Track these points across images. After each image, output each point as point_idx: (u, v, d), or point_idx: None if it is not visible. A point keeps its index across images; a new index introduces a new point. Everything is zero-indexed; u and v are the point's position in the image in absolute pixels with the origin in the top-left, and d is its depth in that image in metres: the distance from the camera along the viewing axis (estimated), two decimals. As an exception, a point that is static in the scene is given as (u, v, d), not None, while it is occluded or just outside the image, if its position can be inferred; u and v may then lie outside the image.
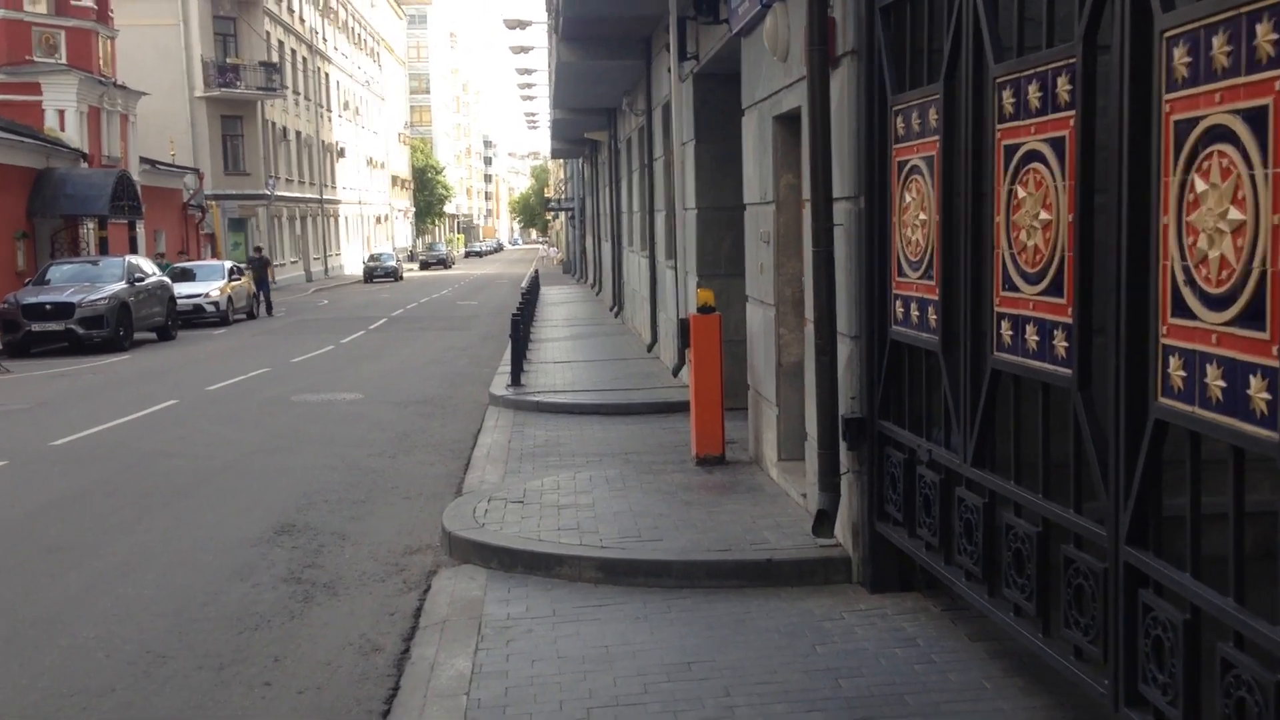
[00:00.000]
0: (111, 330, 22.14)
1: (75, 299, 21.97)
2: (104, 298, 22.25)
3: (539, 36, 31.62)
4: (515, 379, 14.22)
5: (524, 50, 28.44)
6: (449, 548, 7.26)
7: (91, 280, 23.30)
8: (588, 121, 25.61)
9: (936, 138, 5.02)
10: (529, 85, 38.01)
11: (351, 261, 66.64)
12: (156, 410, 13.81)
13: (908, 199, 5.39)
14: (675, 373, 13.92)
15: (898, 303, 5.56)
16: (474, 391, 14.98)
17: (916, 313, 5.31)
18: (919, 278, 5.27)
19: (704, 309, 9.05)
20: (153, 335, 24.92)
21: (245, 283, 31.25)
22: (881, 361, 5.78)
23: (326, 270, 60.53)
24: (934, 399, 5.24)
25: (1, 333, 21.80)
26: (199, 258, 39.78)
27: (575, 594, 6.27)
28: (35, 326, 21.73)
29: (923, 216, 5.20)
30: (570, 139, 33.95)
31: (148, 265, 25.64)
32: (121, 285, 23.08)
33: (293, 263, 54.57)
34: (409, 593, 6.56)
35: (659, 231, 16.50)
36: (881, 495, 5.88)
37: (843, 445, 6.15)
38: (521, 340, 14.97)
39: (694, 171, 12.46)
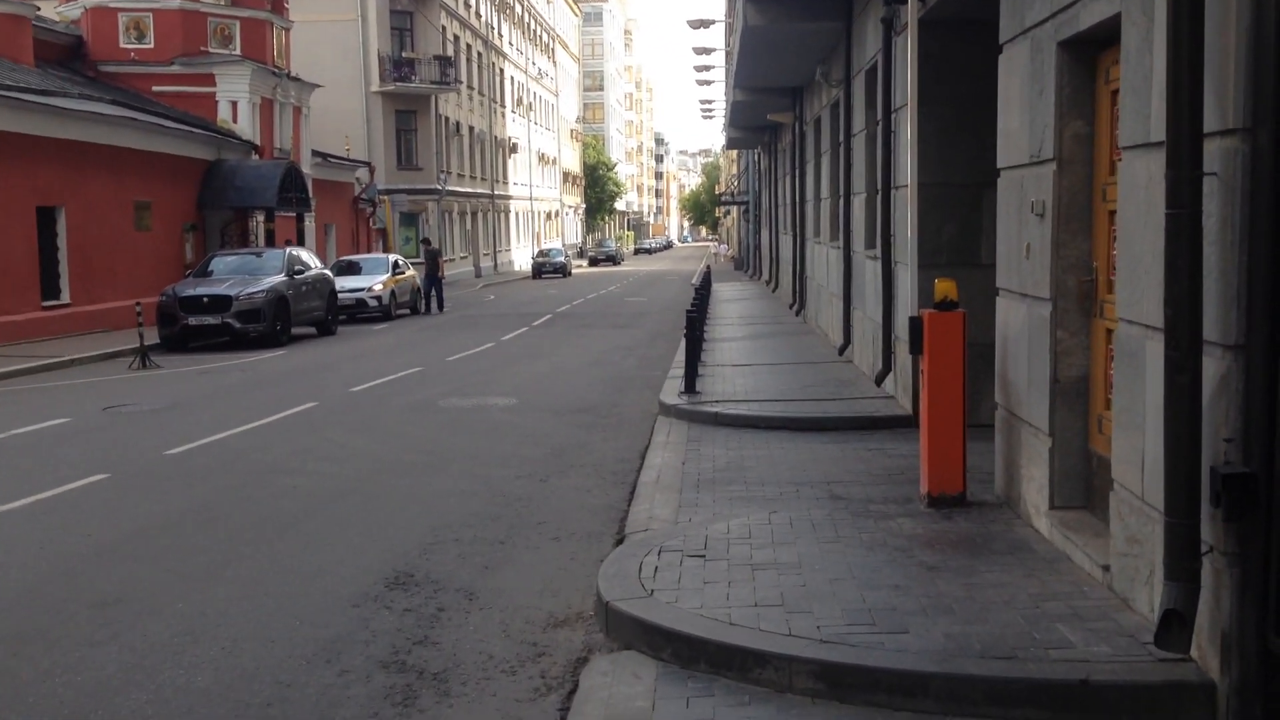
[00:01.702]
0: (269, 324, 21.20)
1: (232, 292, 21.09)
2: (261, 290, 21.32)
3: (719, 17, 29.63)
4: (690, 385, 12.30)
5: (703, 24, 26.45)
6: (605, 623, 5.36)
7: (254, 273, 22.47)
8: (770, 103, 23.53)
9: None
10: (706, 69, 36.07)
11: (521, 257, 66.14)
12: (292, 414, 12.41)
13: (1377, 115, 3.19)
14: (879, 380, 11.76)
15: (1343, 291, 3.36)
16: (641, 399, 13.13)
17: (1396, 308, 3.12)
18: (1406, 247, 3.07)
19: (943, 305, 6.92)
20: (313, 330, 24.04)
21: (410, 277, 30.32)
22: (1297, 388, 3.59)
23: (496, 266, 60.04)
24: None
25: (160, 326, 21.09)
26: (370, 252, 39.35)
27: (786, 715, 4.28)
28: (192, 320, 20.92)
29: None
30: (748, 126, 31.93)
31: (309, 258, 24.76)
32: (280, 278, 22.14)
33: (462, 258, 54.13)
34: (547, 695, 4.68)
35: (857, 218, 14.33)
36: (1289, 600, 3.69)
37: (1209, 513, 3.98)
38: (696, 341, 13.03)
39: (916, 141, 10.29)
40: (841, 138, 15.46)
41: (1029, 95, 6.36)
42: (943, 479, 6.93)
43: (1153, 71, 4.56)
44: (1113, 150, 5.66)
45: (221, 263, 23.52)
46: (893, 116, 11.29)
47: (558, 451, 10.08)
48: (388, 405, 13.08)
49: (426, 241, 35.76)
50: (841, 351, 15.16)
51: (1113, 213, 5.65)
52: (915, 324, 7.02)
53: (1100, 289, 5.81)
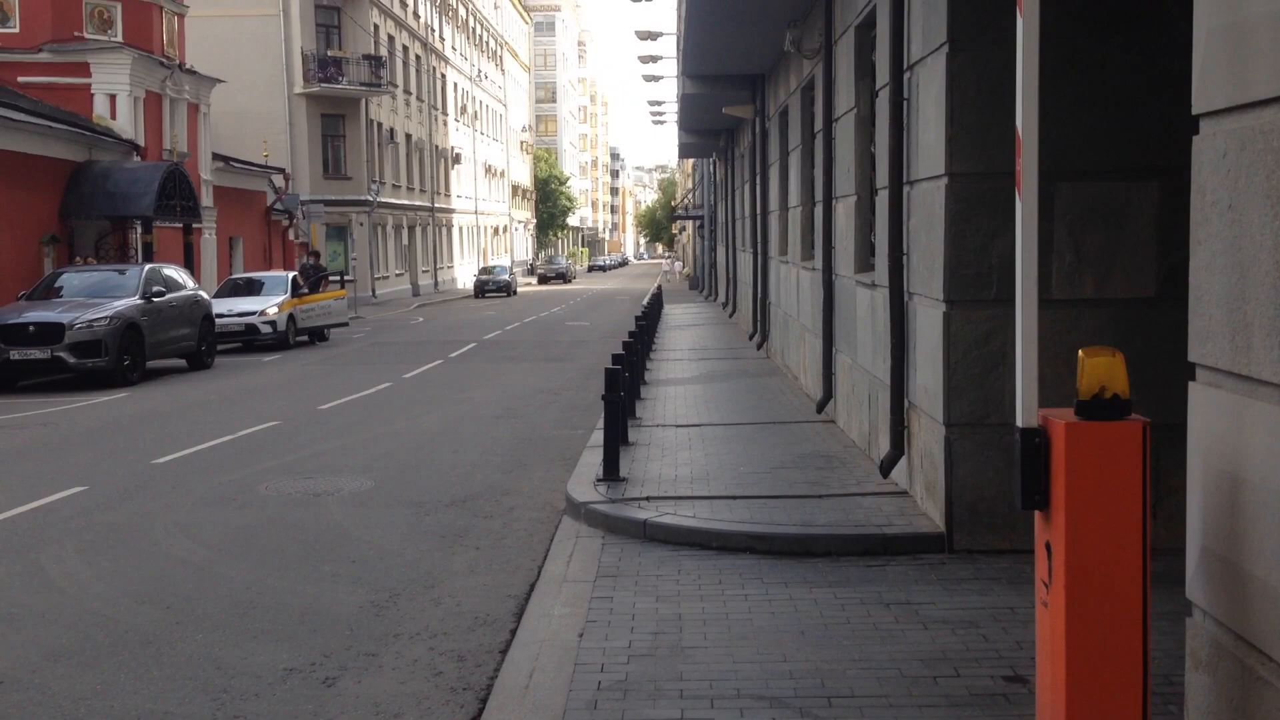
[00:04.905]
0: (113, 359, 17.15)
1: (65, 319, 17.04)
2: (104, 317, 17.29)
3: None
4: (611, 469, 8.54)
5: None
6: None
7: (108, 294, 18.46)
8: (725, 95, 19.90)
9: None
10: (653, 59, 32.36)
11: (466, 274, 62.10)
12: (31, 510, 8.52)
13: None
14: (885, 469, 8.04)
15: None
16: (547, 480, 9.36)
17: None
18: None
19: (1096, 404, 3.20)
20: (182, 363, 20.05)
21: (319, 297, 26.18)
22: None
23: (437, 284, 55.98)
24: None
25: (-26, 362, 17.06)
26: (284, 269, 35.12)
27: None
28: (15, 354, 16.87)
29: None
30: (702, 129, 28.33)
31: (181, 276, 20.73)
32: (133, 301, 18.14)
33: (397, 275, 50.06)
34: None
35: (842, 229, 10.66)
36: None
37: None
38: (620, 410, 9.21)
39: (945, 107, 6.65)
40: (819, 125, 11.81)
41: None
42: (1099, 785, 3.21)
43: None
44: None
45: (74, 279, 19.50)
46: (906, 77, 7.65)
47: (386, 600, 6.27)
48: (186, 491, 9.19)
49: (315, 254, 30.85)
50: (821, 408, 11.46)
51: None
52: (1032, 444, 3.28)
53: None
